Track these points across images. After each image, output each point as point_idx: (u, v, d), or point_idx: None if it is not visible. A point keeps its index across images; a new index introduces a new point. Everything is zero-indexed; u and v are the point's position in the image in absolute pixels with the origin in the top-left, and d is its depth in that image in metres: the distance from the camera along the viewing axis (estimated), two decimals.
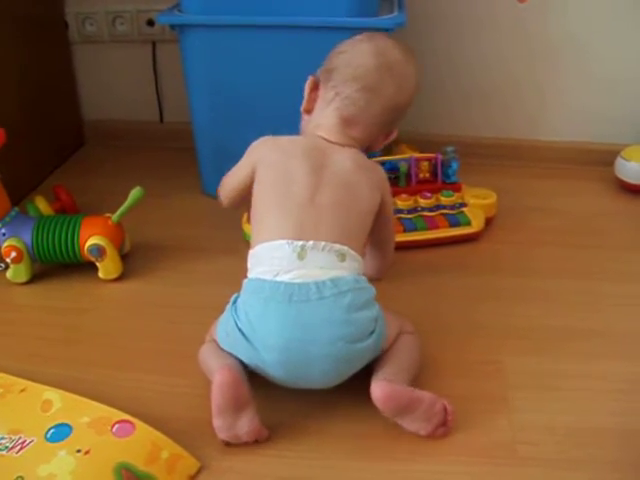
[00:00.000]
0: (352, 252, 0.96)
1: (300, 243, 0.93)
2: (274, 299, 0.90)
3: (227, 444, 0.90)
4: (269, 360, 0.91)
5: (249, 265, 0.98)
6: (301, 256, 0.92)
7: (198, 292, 1.23)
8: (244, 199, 1.10)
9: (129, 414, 0.91)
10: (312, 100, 1.11)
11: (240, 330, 0.92)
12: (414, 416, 0.91)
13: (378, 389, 0.90)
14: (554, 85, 1.67)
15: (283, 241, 0.94)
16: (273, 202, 0.99)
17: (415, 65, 1.09)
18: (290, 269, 0.92)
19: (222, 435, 0.90)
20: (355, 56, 1.06)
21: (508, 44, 1.64)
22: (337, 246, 0.94)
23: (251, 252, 0.98)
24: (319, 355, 0.90)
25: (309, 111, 1.11)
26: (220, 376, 0.88)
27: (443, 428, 0.92)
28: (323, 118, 1.07)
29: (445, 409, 0.92)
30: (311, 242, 0.93)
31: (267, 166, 1.02)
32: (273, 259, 0.93)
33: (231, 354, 0.95)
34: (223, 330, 0.96)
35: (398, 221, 1.35)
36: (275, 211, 0.98)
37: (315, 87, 1.10)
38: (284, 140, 1.05)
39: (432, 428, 0.91)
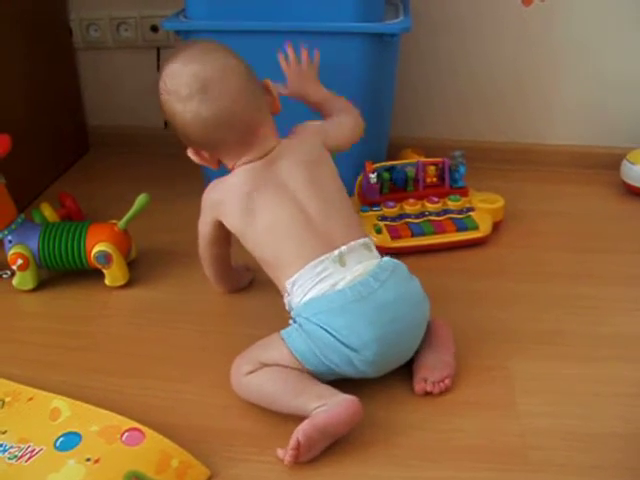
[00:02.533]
0: (368, 240, 1.03)
1: (336, 252, 0.98)
2: (349, 303, 0.95)
3: (294, 458, 0.88)
4: (370, 355, 0.95)
5: (294, 291, 0.99)
6: (342, 262, 0.98)
7: (205, 298, 1.22)
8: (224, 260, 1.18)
9: (138, 422, 0.90)
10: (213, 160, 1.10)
11: (339, 340, 0.94)
12: (435, 358, 1.02)
13: (442, 320, 1.07)
14: (559, 89, 1.67)
15: (322, 257, 0.97)
16: (283, 233, 1.01)
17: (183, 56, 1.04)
18: (342, 277, 0.97)
19: (302, 459, 0.89)
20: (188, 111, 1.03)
21: (512, 48, 1.64)
22: (361, 240, 1.01)
23: (290, 281, 0.99)
24: (409, 326, 0.99)
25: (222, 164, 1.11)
26: (355, 406, 0.91)
27: (438, 385, 1.00)
28: (238, 157, 1.06)
29: (447, 377, 1.01)
30: (344, 247, 0.99)
31: (249, 210, 1.03)
32: (320, 276, 0.97)
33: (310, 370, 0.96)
34: (309, 350, 0.95)
35: (406, 225, 1.35)
36: (290, 238, 1.00)
37: (199, 153, 1.09)
38: (235, 181, 1.05)
39: (435, 374, 1.00)
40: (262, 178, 1.03)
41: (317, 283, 0.97)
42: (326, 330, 0.94)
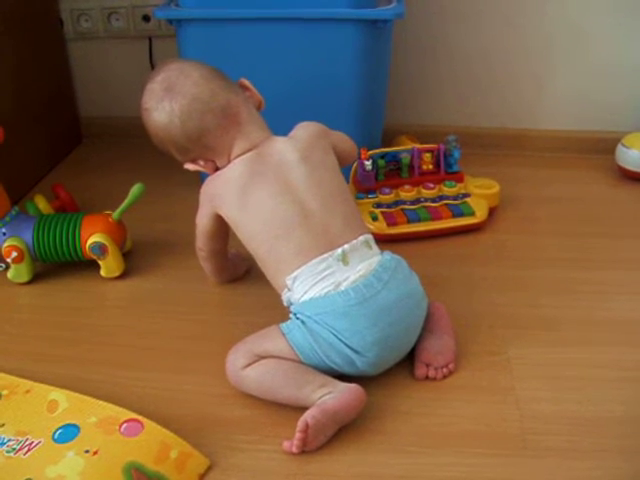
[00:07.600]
0: (369, 236, 1.03)
1: (339, 251, 0.98)
2: (352, 306, 0.94)
3: (302, 442, 0.88)
4: (372, 357, 0.95)
5: (295, 287, 0.98)
6: (345, 261, 0.98)
7: (201, 289, 1.22)
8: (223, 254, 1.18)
9: (137, 413, 0.90)
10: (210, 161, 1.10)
11: (342, 342, 0.94)
12: (439, 343, 1.02)
13: (439, 304, 1.07)
14: (553, 74, 1.66)
15: (325, 255, 0.97)
16: (280, 229, 1.00)
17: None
18: (346, 277, 0.96)
19: (309, 447, 0.89)
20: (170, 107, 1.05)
21: (506, 34, 1.63)
22: (361, 238, 1.00)
23: (291, 277, 0.98)
24: (409, 326, 0.99)
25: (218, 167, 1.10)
26: (361, 393, 0.92)
27: (441, 370, 1.01)
28: (228, 150, 1.07)
29: (450, 362, 1.02)
30: (346, 246, 0.98)
31: (243, 205, 1.03)
32: (322, 274, 0.97)
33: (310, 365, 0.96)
34: (311, 348, 0.94)
35: (402, 212, 1.35)
36: (287, 235, 0.99)
37: (194, 161, 1.10)
38: (231, 173, 1.05)
39: (439, 360, 1.01)
40: (258, 170, 1.03)
41: (319, 281, 0.96)
42: (330, 331, 0.94)
